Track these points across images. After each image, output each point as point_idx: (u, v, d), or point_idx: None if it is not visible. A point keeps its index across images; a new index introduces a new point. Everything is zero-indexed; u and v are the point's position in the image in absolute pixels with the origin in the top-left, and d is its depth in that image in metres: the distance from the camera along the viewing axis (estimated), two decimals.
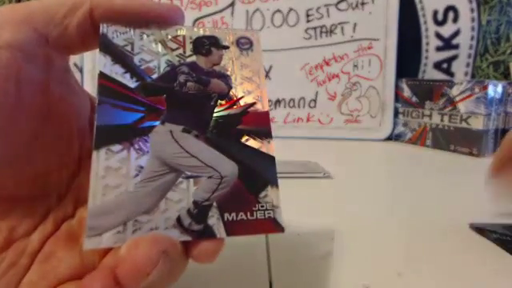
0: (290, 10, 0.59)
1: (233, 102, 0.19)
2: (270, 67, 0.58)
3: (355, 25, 0.59)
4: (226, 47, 0.20)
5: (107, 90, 0.18)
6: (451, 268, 0.22)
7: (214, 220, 0.16)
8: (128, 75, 0.18)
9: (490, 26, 0.59)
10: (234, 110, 0.19)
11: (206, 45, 0.20)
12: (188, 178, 0.17)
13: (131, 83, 0.18)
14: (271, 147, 0.18)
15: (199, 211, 0.16)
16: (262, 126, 0.19)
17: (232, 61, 0.20)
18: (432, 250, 0.24)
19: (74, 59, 0.43)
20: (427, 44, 0.60)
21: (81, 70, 0.43)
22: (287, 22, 0.60)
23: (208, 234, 0.16)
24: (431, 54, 0.60)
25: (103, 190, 0.16)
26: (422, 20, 0.61)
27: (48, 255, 0.17)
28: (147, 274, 0.14)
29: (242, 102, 0.19)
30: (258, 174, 0.18)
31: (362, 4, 0.58)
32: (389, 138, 0.54)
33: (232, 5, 0.55)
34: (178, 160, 0.17)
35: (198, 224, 0.16)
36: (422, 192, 0.34)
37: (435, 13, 0.62)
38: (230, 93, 0.19)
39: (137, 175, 0.16)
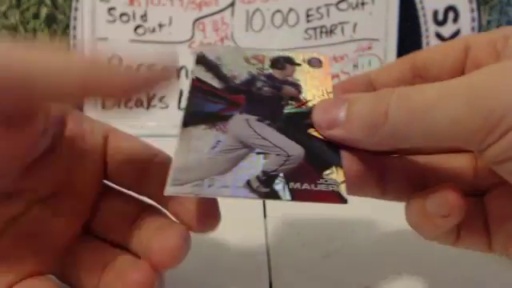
0: (290, 10, 0.60)
1: (302, 103, 0.22)
2: None
3: (355, 25, 0.59)
4: (299, 64, 0.24)
5: (198, 88, 0.22)
6: (451, 268, 0.22)
7: (280, 186, 0.18)
8: (216, 80, 0.22)
9: (490, 26, 0.59)
10: (302, 109, 0.21)
11: (282, 62, 0.24)
12: (259, 153, 0.19)
13: (218, 85, 0.22)
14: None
15: (267, 178, 0.18)
16: None
17: (303, 73, 0.24)
18: (432, 249, 0.24)
19: None
20: (427, 44, 0.60)
21: None
22: (287, 22, 0.60)
23: (274, 196, 0.17)
24: None
25: (187, 150, 0.19)
26: (422, 20, 0.61)
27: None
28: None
29: (310, 104, 0.22)
30: (323, 157, 0.19)
31: (362, 4, 0.58)
32: None
33: (232, 5, 0.55)
34: (251, 139, 0.20)
35: (265, 187, 0.18)
36: None
37: (435, 13, 0.62)
38: (300, 96, 0.22)
39: (215, 147, 0.19)
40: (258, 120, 0.21)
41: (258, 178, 0.18)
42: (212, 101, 0.21)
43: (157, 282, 0.19)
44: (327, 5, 0.61)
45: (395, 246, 0.25)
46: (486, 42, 0.20)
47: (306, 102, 0.22)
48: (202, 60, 0.23)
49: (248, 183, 0.18)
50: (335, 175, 0.18)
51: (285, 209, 0.29)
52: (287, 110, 0.21)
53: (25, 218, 0.19)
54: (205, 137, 0.19)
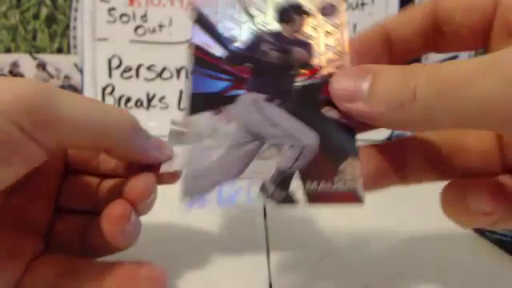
0: None
1: (314, 72, 0.19)
2: None
3: (355, 25, 0.59)
4: (309, 13, 0.20)
5: (199, 59, 0.19)
6: (451, 268, 0.22)
7: (295, 188, 0.17)
8: (215, 44, 0.20)
9: None
10: (315, 80, 0.19)
11: (289, 11, 0.20)
12: (271, 146, 0.18)
13: (218, 52, 0.19)
14: (351, 118, 0.18)
15: (282, 179, 0.17)
16: None
17: (316, 29, 0.20)
18: (432, 250, 0.24)
19: (74, 59, 0.43)
20: None
21: (81, 71, 0.44)
22: None
23: (290, 201, 0.16)
24: (431, 54, 0.60)
25: (196, 150, 0.17)
26: None
27: None
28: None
29: (324, 72, 0.19)
30: (338, 144, 0.18)
31: (362, 5, 0.58)
32: (389, 138, 0.54)
33: None
34: (261, 128, 0.18)
35: (281, 191, 0.17)
36: (421, 192, 0.34)
37: None
38: (312, 62, 0.19)
39: (225, 140, 0.18)
40: (267, 99, 0.19)
41: (272, 179, 0.17)
42: (215, 77, 0.19)
43: (133, 215, 0.20)
44: None
45: (395, 246, 0.25)
46: None
47: (319, 69, 0.19)
48: (199, 19, 0.20)
49: (263, 188, 0.17)
50: (351, 168, 0.17)
51: (285, 209, 0.29)
52: (298, 82, 0.19)
53: (6, 208, 0.21)
54: (212, 130, 0.18)
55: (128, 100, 0.45)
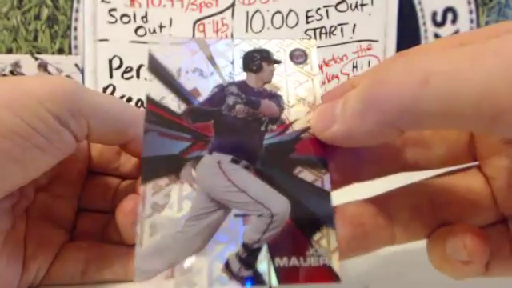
0: (290, 11, 0.60)
1: (285, 127, 0.17)
2: None
3: (354, 26, 0.59)
4: (278, 62, 0.19)
5: (154, 115, 0.17)
6: None
7: (264, 266, 0.15)
8: (175, 99, 0.17)
9: None
10: (286, 136, 0.17)
11: (257, 60, 0.19)
12: (237, 216, 0.15)
13: (178, 108, 0.17)
14: (326, 180, 0.16)
15: (248, 255, 0.15)
16: (316, 154, 0.17)
17: (285, 78, 0.18)
18: None
19: (75, 60, 0.44)
20: None
21: (82, 71, 0.44)
22: (287, 24, 0.60)
23: (258, 281, 0.14)
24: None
25: (150, 229, 0.15)
26: (421, 21, 0.61)
27: None
28: None
29: (295, 127, 0.17)
30: (312, 212, 0.16)
31: (362, 5, 0.58)
32: None
33: (232, 6, 0.55)
34: (225, 195, 0.16)
35: (247, 270, 0.15)
36: None
37: (434, 14, 0.62)
38: (282, 115, 0.18)
39: (184, 213, 0.15)
40: (233, 161, 0.17)
41: (238, 256, 0.15)
42: (172, 136, 0.17)
43: None
44: (326, 6, 0.61)
45: (395, 246, 0.25)
46: None
47: (290, 124, 0.18)
48: (154, 67, 0.18)
49: (227, 266, 0.15)
50: (325, 240, 0.15)
51: None
52: (267, 139, 0.17)
53: (36, 205, 0.23)
54: (169, 200, 0.15)
55: (129, 100, 0.45)
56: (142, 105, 0.45)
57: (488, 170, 0.18)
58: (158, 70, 0.18)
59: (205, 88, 0.18)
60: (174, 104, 0.17)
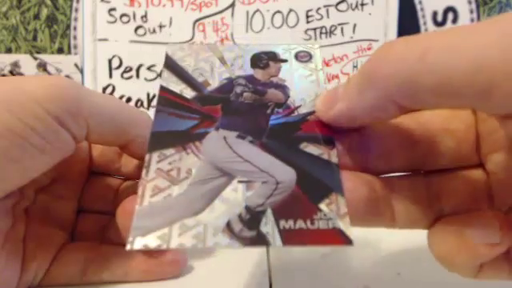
0: (290, 10, 0.60)
1: (291, 111, 0.18)
2: None
3: (355, 26, 0.59)
4: (284, 61, 0.20)
5: (165, 100, 0.18)
6: None
7: (268, 227, 0.14)
8: (187, 88, 0.19)
9: None
10: (292, 118, 0.18)
11: (265, 59, 0.20)
12: (241, 182, 0.16)
13: (188, 95, 0.19)
14: (333, 154, 0.16)
15: (252, 217, 0.15)
16: (323, 133, 0.17)
17: (291, 73, 0.20)
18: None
19: (74, 59, 0.44)
20: None
21: (81, 71, 0.44)
22: (287, 23, 0.60)
23: (261, 241, 0.14)
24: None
25: (152, 191, 0.15)
26: (421, 21, 0.61)
27: None
28: None
29: (302, 110, 0.18)
30: (320, 181, 0.16)
31: (362, 5, 0.58)
32: None
33: (232, 6, 0.55)
34: (230, 165, 0.16)
35: (249, 230, 0.14)
36: None
37: (435, 14, 0.62)
38: (288, 102, 0.18)
39: (187, 178, 0.16)
40: (239, 137, 0.17)
41: (240, 217, 0.15)
42: (181, 115, 0.18)
43: None
44: (327, 6, 0.61)
45: (395, 246, 0.25)
46: None
47: (296, 108, 0.18)
48: (169, 63, 0.20)
49: (228, 226, 0.14)
50: (335, 205, 0.15)
51: None
52: (273, 120, 0.18)
53: (36, 205, 0.23)
54: (173, 166, 0.16)
55: (128, 100, 0.45)
56: (142, 105, 0.45)
57: (489, 166, 0.18)
58: (172, 66, 0.20)
59: (215, 80, 0.19)
60: (185, 91, 0.19)
